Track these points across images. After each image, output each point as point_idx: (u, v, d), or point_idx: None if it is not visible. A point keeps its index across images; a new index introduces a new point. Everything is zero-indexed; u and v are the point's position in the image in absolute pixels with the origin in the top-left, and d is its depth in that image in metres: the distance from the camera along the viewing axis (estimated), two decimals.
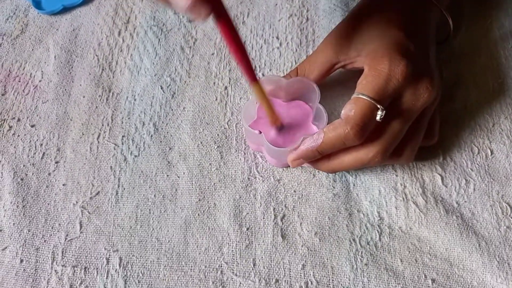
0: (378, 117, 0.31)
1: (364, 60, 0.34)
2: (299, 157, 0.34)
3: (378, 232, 0.34)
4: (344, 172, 0.37)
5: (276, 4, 0.46)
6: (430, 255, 0.34)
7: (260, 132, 0.34)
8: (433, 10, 0.37)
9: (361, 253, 0.34)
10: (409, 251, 0.34)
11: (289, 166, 0.36)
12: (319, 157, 0.33)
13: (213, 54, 0.43)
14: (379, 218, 0.35)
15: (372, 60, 0.33)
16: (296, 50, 0.43)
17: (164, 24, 0.45)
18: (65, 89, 0.41)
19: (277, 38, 0.43)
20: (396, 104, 0.32)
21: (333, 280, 0.33)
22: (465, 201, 0.35)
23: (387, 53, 0.33)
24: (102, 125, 0.39)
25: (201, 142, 0.38)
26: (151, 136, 0.39)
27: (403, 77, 0.32)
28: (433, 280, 0.33)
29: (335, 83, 0.40)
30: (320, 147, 0.32)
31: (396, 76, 0.32)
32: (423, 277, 0.33)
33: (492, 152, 0.37)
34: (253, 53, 0.43)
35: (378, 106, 0.31)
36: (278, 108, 0.37)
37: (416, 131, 0.34)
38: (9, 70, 0.42)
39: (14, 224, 0.35)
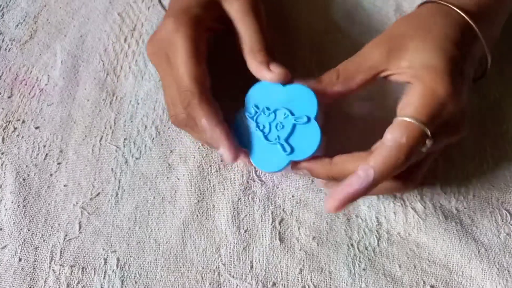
0: (424, 149, 0.28)
1: (416, 75, 0.30)
2: (346, 202, 0.28)
3: (376, 237, 0.34)
4: None
5: None
6: (429, 261, 0.33)
7: None
8: (477, 45, 0.32)
9: (359, 258, 0.34)
10: (408, 257, 0.33)
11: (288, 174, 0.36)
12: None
13: None
14: (377, 223, 0.35)
15: (429, 79, 0.29)
16: None
17: None
18: (70, 93, 0.42)
19: None
20: None
21: (330, 285, 0.33)
22: (465, 208, 0.35)
23: (447, 74, 0.28)
24: (105, 128, 0.40)
25: (202, 145, 0.38)
26: (153, 139, 0.39)
27: (460, 107, 0.28)
28: (432, 287, 0.32)
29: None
30: (372, 185, 0.28)
31: (453, 102, 0.28)
32: (422, 283, 0.33)
33: (492, 159, 0.37)
34: None
35: (429, 134, 0.27)
36: None
37: (427, 157, 0.31)
38: (16, 74, 0.43)
39: (14, 223, 0.35)
